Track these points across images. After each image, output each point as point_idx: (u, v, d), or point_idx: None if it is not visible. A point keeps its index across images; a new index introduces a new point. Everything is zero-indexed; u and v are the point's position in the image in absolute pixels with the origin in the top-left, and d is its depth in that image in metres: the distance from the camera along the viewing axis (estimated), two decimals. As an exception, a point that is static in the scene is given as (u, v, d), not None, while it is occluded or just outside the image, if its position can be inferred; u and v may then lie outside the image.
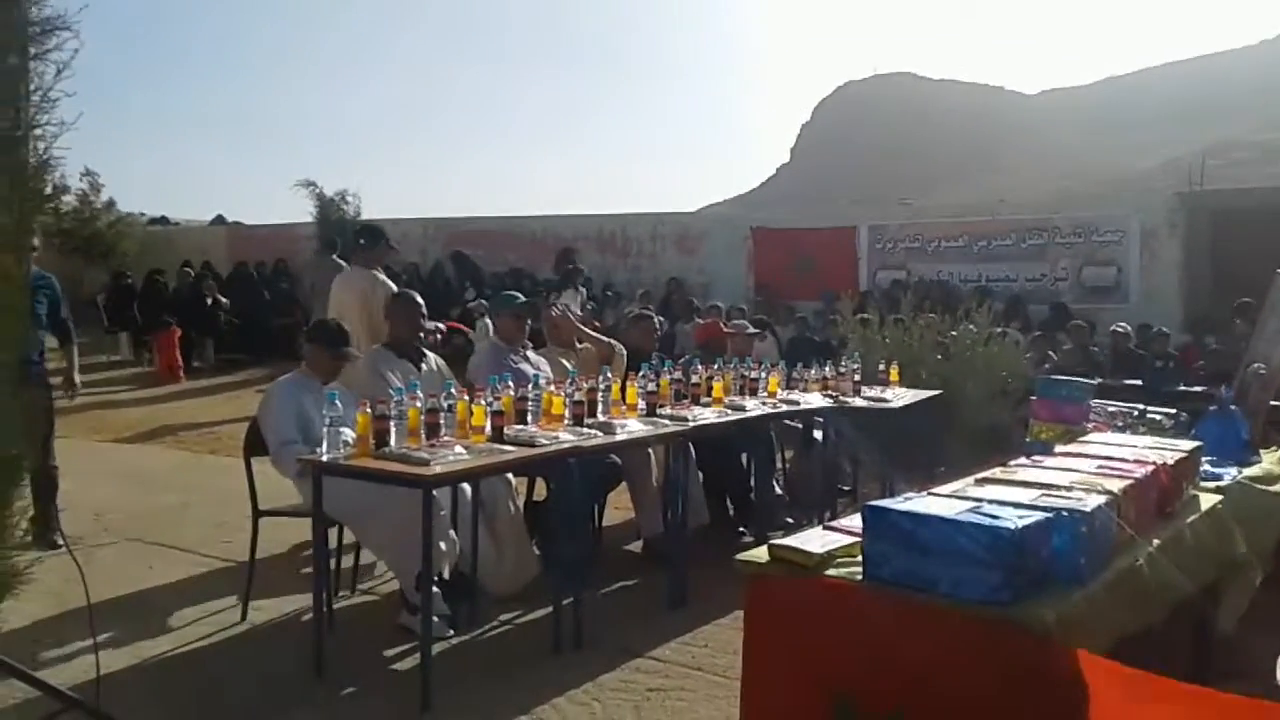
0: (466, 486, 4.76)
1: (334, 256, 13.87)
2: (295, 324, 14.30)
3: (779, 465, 7.20)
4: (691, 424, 5.22)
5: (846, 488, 7.07)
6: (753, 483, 6.52)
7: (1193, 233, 13.31)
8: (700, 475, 6.04)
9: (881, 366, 7.25)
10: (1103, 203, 16.96)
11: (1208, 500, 3.72)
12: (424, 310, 5.47)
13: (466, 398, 4.53)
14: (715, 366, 6.13)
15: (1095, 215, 14.20)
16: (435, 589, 4.40)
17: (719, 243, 16.76)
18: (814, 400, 6.40)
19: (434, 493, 4.06)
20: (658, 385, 5.46)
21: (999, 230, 14.47)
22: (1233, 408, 4.93)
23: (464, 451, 4.16)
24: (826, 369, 6.72)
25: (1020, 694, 2.40)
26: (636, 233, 17.51)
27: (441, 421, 4.32)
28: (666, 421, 5.21)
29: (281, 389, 4.90)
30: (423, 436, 4.24)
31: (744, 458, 6.59)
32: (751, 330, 8.21)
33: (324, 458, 4.09)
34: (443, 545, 4.51)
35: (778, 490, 6.80)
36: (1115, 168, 55.07)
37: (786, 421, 6.64)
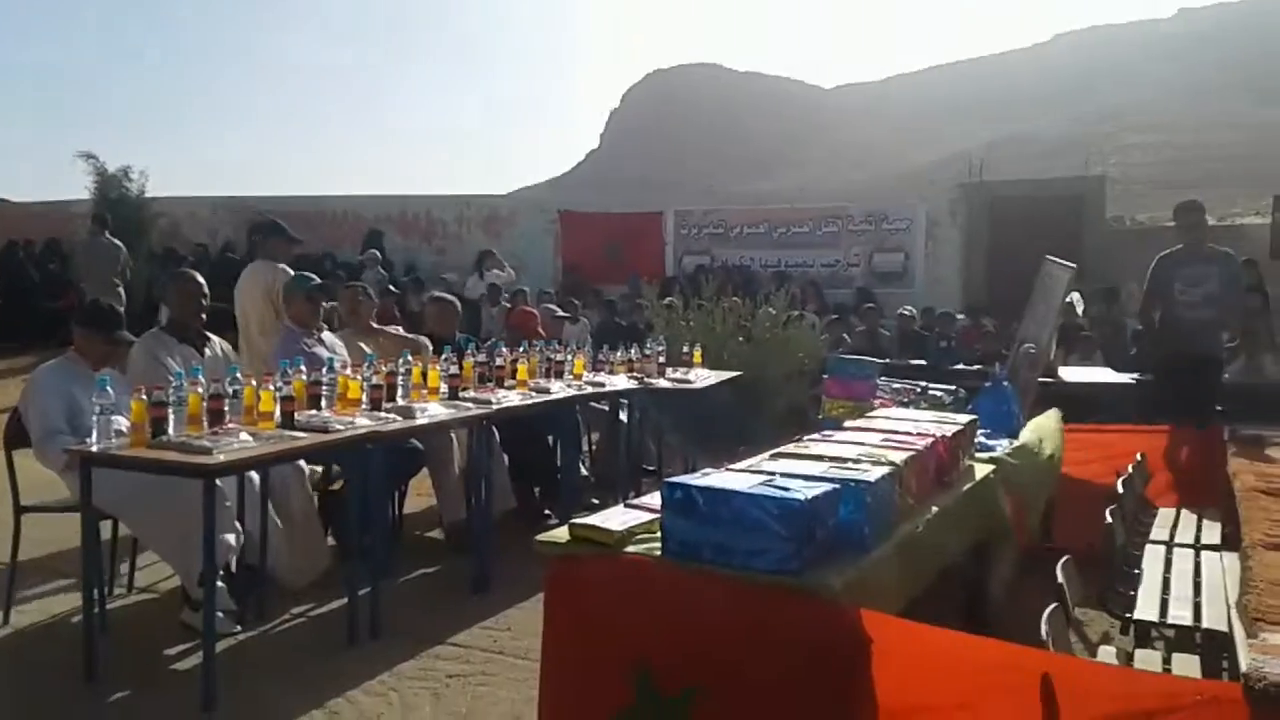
0: (254, 475, 4.53)
1: (106, 235, 13.00)
2: (68, 307, 13.25)
3: (585, 447, 7.21)
4: (495, 407, 5.15)
5: (651, 467, 7.16)
6: (558, 465, 6.50)
7: (972, 222, 14.21)
8: (505, 459, 5.97)
9: (685, 349, 7.37)
10: (892, 193, 17.84)
11: (981, 470, 3.96)
12: (205, 291, 5.15)
13: (254, 382, 4.30)
14: (521, 349, 6.07)
15: (885, 205, 14.94)
16: (220, 583, 4.17)
17: (527, 226, 16.64)
18: (620, 382, 6.44)
19: (218, 483, 3.84)
20: (460, 368, 5.35)
21: (797, 218, 15.01)
22: (1005, 384, 5.27)
23: (250, 439, 3.94)
24: (632, 352, 6.77)
25: (812, 658, 2.48)
26: (442, 215, 17.17)
27: (226, 408, 4.08)
28: (469, 405, 5.11)
29: (46, 375, 4.51)
30: (205, 424, 3.99)
31: (550, 440, 6.56)
32: (560, 313, 8.19)
33: (94, 448, 3.79)
34: (228, 538, 4.27)
35: (583, 472, 6.82)
36: (904, 160, 58.11)
37: (593, 404, 6.66)
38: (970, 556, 3.71)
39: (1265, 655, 2.21)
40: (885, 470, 3.04)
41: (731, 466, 3.10)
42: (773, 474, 2.91)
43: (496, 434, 5.57)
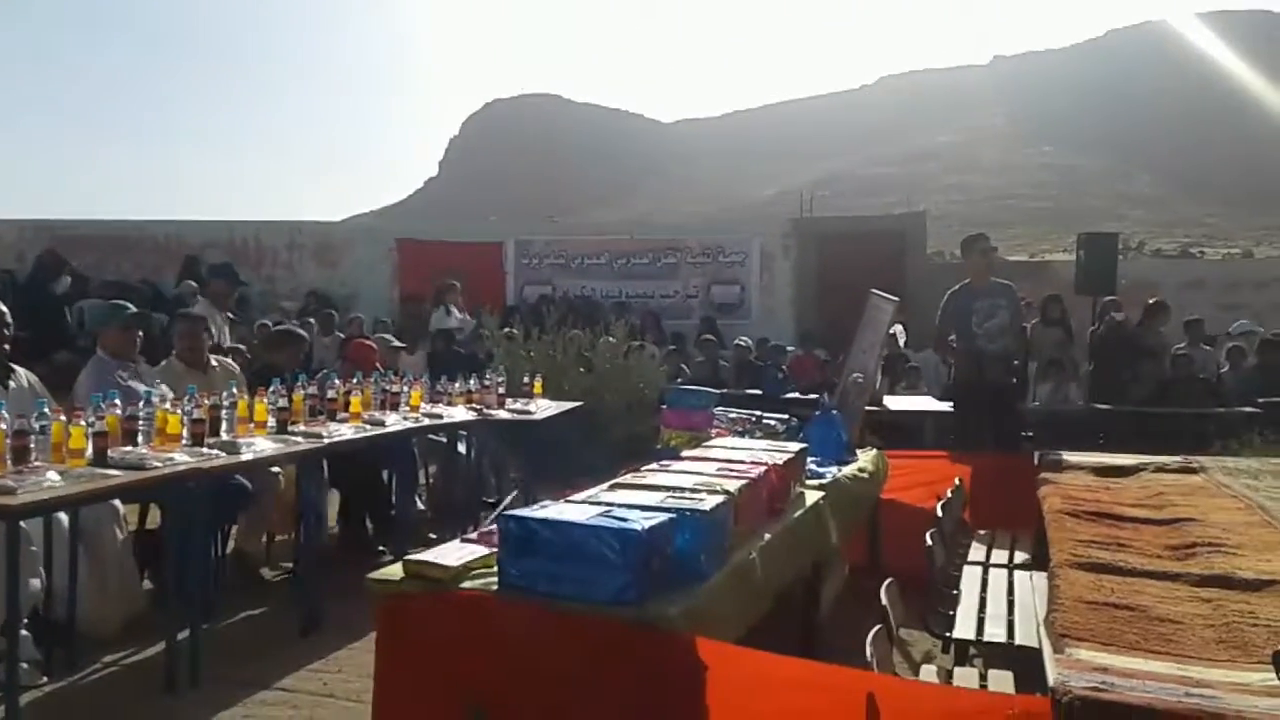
0: (62, 516, 4.24)
1: None
2: None
3: (423, 481, 7.07)
4: (326, 441, 4.99)
5: (491, 500, 7.07)
6: (394, 500, 6.35)
7: (803, 256, 14.72)
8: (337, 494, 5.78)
9: (526, 379, 7.34)
10: (729, 227, 18.29)
11: (812, 496, 4.08)
12: (8, 321, 4.81)
13: (63, 418, 4.03)
14: (355, 381, 5.90)
15: (722, 238, 15.33)
16: (24, 631, 3.88)
17: (363, 254, 16.25)
18: (458, 414, 6.35)
19: (22, 525, 3.57)
20: (290, 401, 5.16)
21: (637, 249, 15.21)
22: (834, 413, 5.46)
23: (58, 478, 3.69)
24: (471, 382, 6.69)
25: (651, 688, 2.49)
26: (272, 242, 16.57)
27: (31, 445, 3.80)
28: (299, 439, 4.94)
29: None
30: (9, 462, 3.71)
31: (385, 475, 6.40)
32: (396, 344, 8.02)
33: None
34: (33, 583, 3.98)
35: (420, 506, 6.67)
36: (740, 194, 59.85)
37: (431, 436, 6.53)
38: (802, 581, 3.82)
39: (1071, 669, 2.34)
40: (720, 499, 3.09)
41: (570, 498, 3.10)
42: (611, 505, 2.92)
43: (326, 469, 5.39)
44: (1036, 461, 5.42)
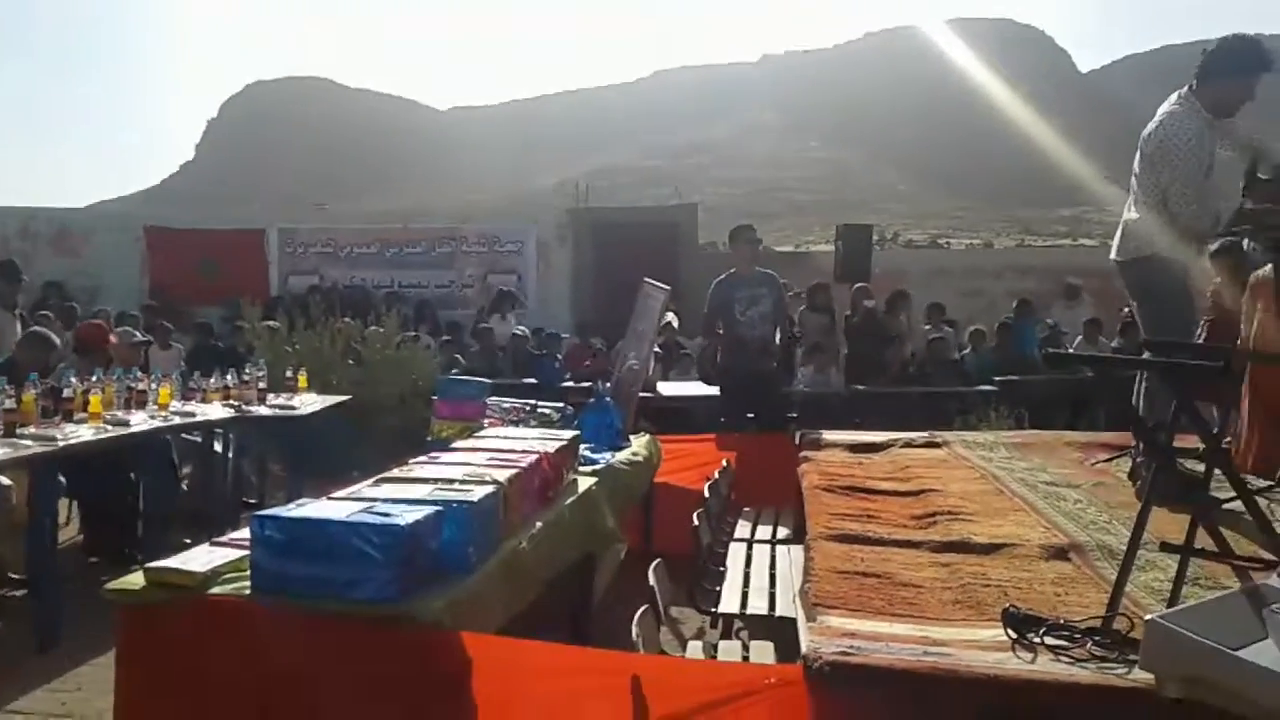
0: None
1: None
2: None
3: (178, 482, 6.63)
4: (61, 444, 4.58)
5: (253, 501, 6.72)
6: (142, 505, 5.92)
7: (579, 245, 14.82)
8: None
9: (290, 373, 7.01)
10: (505, 216, 18.18)
11: (585, 483, 4.10)
12: None
13: None
14: (94, 379, 5.46)
15: (498, 227, 15.22)
16: None
17: (108, 243, 15.06)
18: (214, 411, 5.99)
19: None
20: (18, 402, 4.71)
21: (410, 238, 14.87)
22: (608, 400, 5.51)
23: None
24: (229, 377, 6.33)
25: (414, 687, 2.43)
26: (1, 229, 15.11)
27: None
28: (29, 443, 4.51)
29: None
30: None
31: (132, 477, 5.96)
32: (140, 338, 7.48)
33: None
34: None
35: (174, 509, 6.26)
36: (517, 184, 59.66)
37: (185, 435, 6.14)
38: (576, 567, 3.83)
39: (822, 636, 2.46)
40: (489, 489, 3.05)
41: (332, 495, 2.98)
42: (374, 500, 2.82)
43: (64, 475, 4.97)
44: (797, 441, 5.67)
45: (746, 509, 5.45)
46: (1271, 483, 4.17)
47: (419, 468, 3.45)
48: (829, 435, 5.82)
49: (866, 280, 10.70)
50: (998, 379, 9.43)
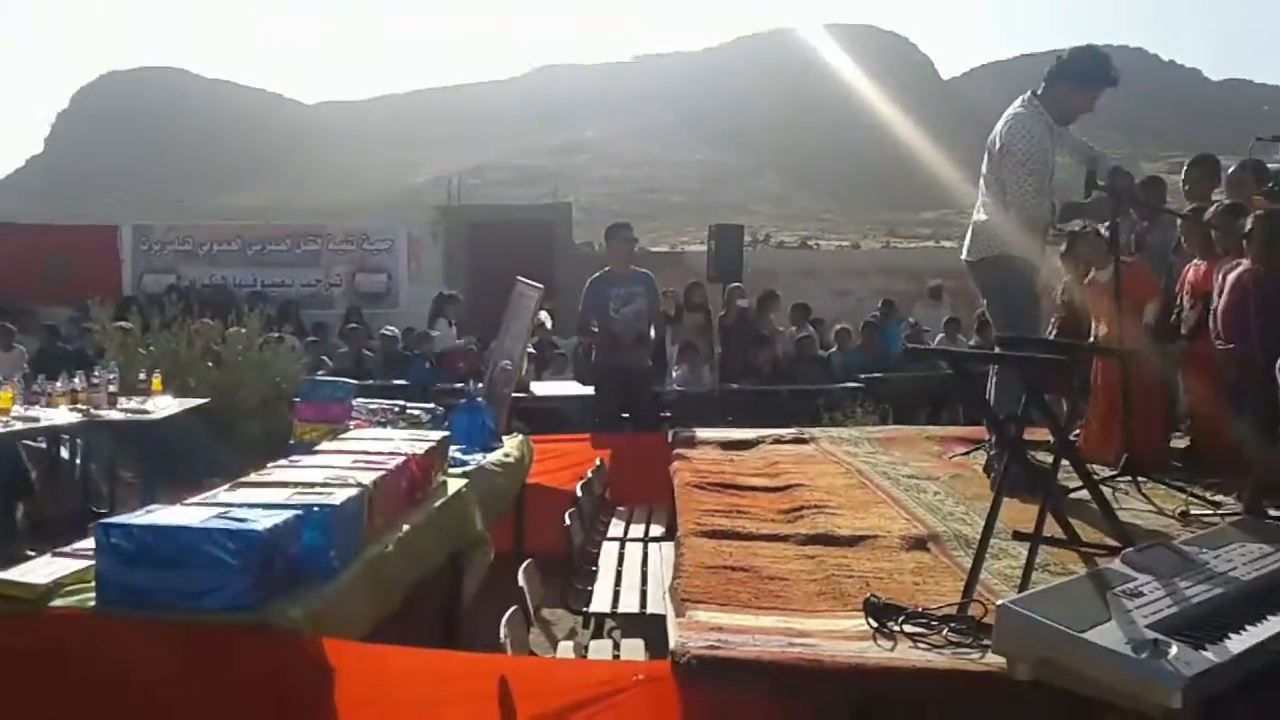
0: None
1: None
2: None
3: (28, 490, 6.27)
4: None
5: (103, 510, 6.39)
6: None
7: (452, 244, 14.61)
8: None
9: (144, 376, 6.69)
10: (375, 213, 17.81)
11: (454, 484, 4.04)
12: None
13: None
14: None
15: (367, 225, 14.87)
16: None
17: (-60, 238, 14.15)
18: (60, 416, 5.68)
19: None
20: None
21: (274, 236, 14.40)
22: (479, 400, 5.44)
23: None
24: (76, 380, 6.01)
25: (273, 697, 2.34)
26: None
27: None
28: None
29: None
30: None
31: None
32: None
33: None
34: None
35: (18, 520, 5.92)
36: (390, 181, 58.52)
37: (29, 441, 5.80)
38: (444, 570, 3.77)
39: (690, 631, 2.48)
40: (353, 492, 2.97)
41: (185, 501, 2.85)
42: (229, 505, 2.72)
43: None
44: (670, 439, 5.72)
45: (620, 508, 5.46)
46: (1115, 472, 4.43)
47: (278, 471, 3.35)
48: (702, 433, 5.88)
49: (739, 280, 10.86)
50: (863, 376, 9.70)
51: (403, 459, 3.54)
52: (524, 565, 3.21)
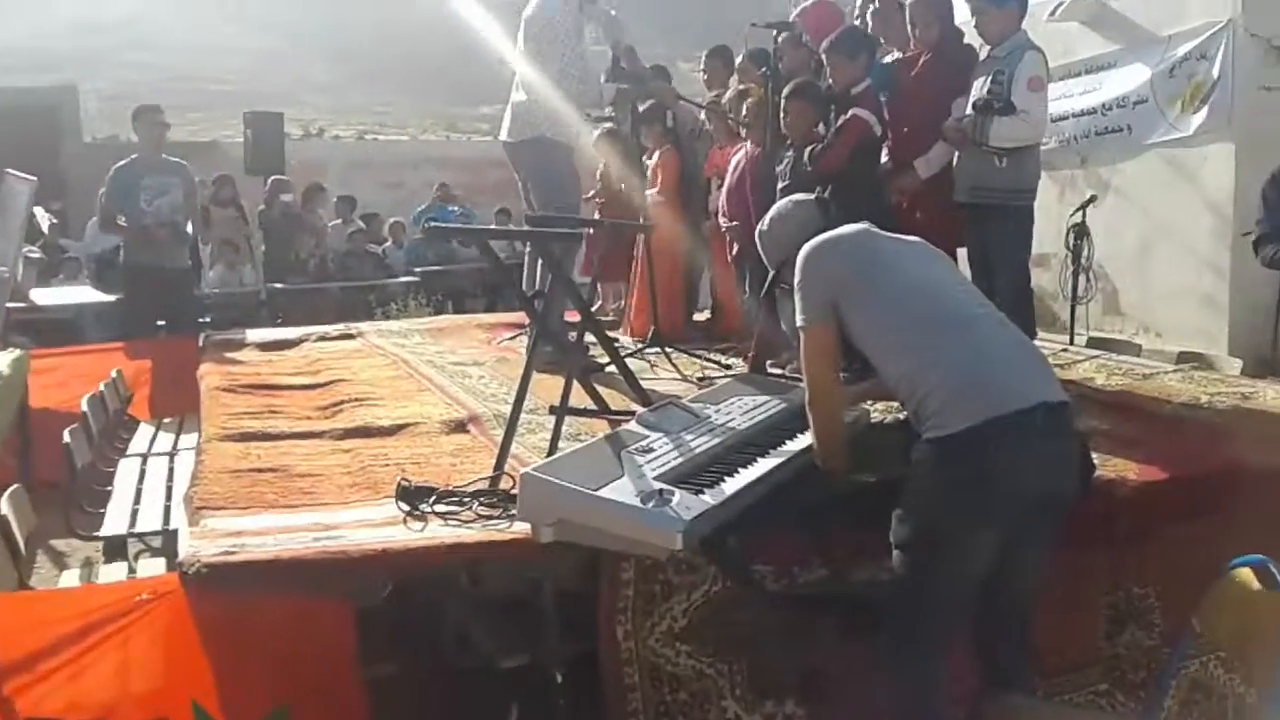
0: None
1: None
2: None
3: None
4: None
5: None
6: None
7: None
8: None
9: None
10: None
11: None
12: None
13: None
14: None
15: None
16: None
17: None
18: None
19: None
20: None
21: None
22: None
23: None
24: None
25: None
26: None
27: None
28: None
29: None
30: None
31: None
32: None
33: None
34: None
35: None
36: None
37: None
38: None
39: (203, 539, 2.29)
40: None
41: None
42: None
43: None
44: (201, 343, 5.29)
45: (145, 422, 4.97)
46: (642, 344, 4.74)
47: None
48: (240, 335, 5.50)
49: (281, 173, 10.18)
50: (418, 270, 9.60)
51: None
52: (9, 491, 2.78)
